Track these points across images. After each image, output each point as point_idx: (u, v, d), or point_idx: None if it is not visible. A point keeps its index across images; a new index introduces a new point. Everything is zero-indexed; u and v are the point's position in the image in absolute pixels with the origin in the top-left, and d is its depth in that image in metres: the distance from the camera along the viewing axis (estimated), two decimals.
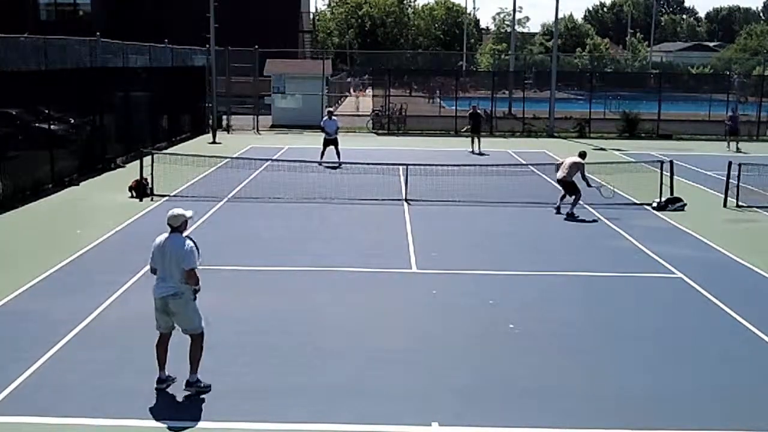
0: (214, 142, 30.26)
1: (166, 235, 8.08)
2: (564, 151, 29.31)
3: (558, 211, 17.57)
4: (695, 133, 36.62)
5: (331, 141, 24.61)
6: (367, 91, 58.00)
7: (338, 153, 24.26)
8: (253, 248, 14.13)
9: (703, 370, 9.02)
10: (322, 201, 18.50)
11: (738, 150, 30.74)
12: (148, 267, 12.34)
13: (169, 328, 8.17)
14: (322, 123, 25.55)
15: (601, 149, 30.66)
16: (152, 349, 9.19)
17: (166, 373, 8.14)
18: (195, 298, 8.04)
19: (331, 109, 28.50)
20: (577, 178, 17.57)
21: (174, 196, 18.74)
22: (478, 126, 29.29)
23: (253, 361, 8.92)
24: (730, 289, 12.00)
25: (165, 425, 7.37)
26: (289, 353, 9.21)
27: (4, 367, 8.44)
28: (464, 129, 30.85)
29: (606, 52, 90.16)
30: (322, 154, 24.35)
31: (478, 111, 30.17)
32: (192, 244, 7.96)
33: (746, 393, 8.39)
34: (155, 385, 8.06)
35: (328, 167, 23.02)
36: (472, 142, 28.88)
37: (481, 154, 27.76)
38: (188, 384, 8.04)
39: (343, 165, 22.68)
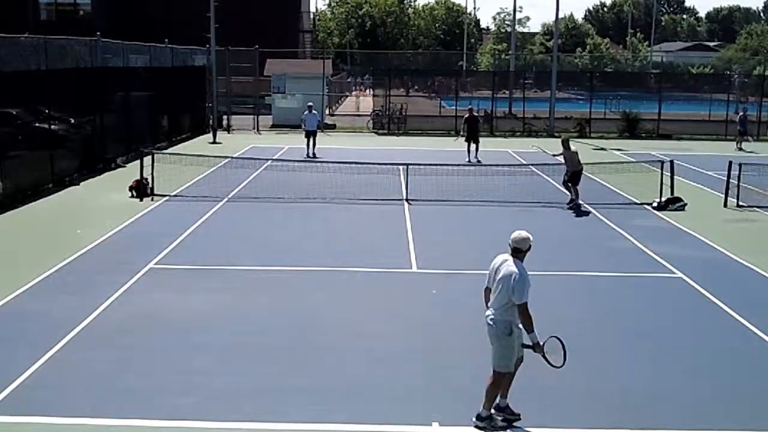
0: (214, 142, 30.26)
1: (505, 257, 7.46)
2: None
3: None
4: (695, 133, 36.62)
5: (310, 133, 26.25)
6: (367, 90, 58.05)
7: (314, 144, 26.26)
8: (253, 248, 14.13)
9: (703, 370, 9.02)
10: (322, 201, 18.50)
11: (740, 149, 30.82)
12: (148, 267, 12.49)
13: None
14: (302, 117, 26.78)
15: (602, 149, 30.68)
16: (152, 349, 9.24)
17: (507, 402, 7.61)
18: (510, 333, 7.31)
19: (311, 103, 28.15)
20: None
21: (174, 196, 18.75)
22: (476, 132, 26.47)
23: (253, 361, 8.92)
24: (730, 289, 11.99)
25: (165, 425, 7.37)
26: (288, 353, 9.21)
27: (4, 367, 8.44)
28: (461, 134, 27.52)
29: (606, 52, 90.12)
30: (308, 146, 26.22)
31: (475, 114, 27.85)
32: (526, 275, 7.24)
33: (746, 393, 8.39)
34: (493, 411, 7.53)
35: (309, 160, 23.97)
36: (468, 149, 25.99)
37: (478, 161, 25.16)
38: (478, 417, 7.48)
39: (340, 164, 22.60)
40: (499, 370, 7.42)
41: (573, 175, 18.40)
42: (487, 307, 7.52)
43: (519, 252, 7.39)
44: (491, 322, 7.38)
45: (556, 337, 7.36)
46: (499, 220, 17.13)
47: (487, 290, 7.59)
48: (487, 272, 7.58)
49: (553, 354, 7.31)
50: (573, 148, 18.77)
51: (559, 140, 19.62)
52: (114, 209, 17.08)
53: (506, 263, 7.38)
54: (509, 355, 7.37)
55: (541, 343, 7.29)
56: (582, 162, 18.66)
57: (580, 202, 18.34)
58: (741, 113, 33.42)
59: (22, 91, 18.43)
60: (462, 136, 27.00)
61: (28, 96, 18.87)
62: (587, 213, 17.78)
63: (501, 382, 7.46)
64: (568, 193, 18.52)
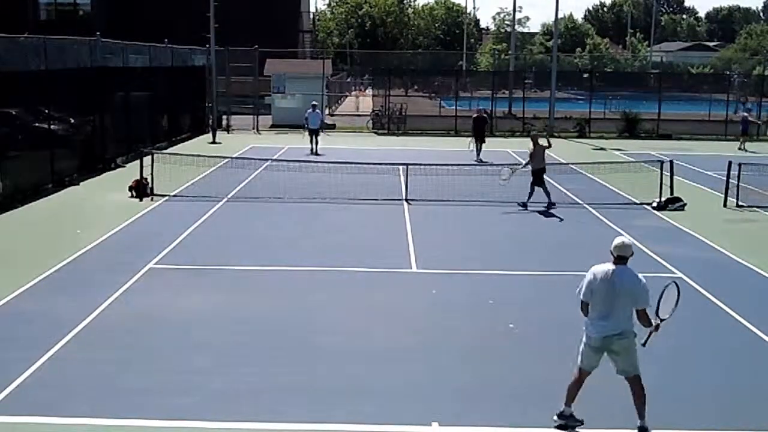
0: (214, 142, 30.26)
1: (609, 266, 7.23)
2: (564, 151, 29.36)
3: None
4: (695, 132, 36.63)
5: (313, 131, 27.42)
6: (366, 90, 58.04)
7: (317, 142, 27.47)
8: (252, 248, 14.13)
9: (702, 370, 9.02)
10: (322, 201, 18.50)
11: (742, 149, 30.78)
12: (147, 267, 12.48)
13: (593, 368, 7.43)
14: (306, 115, 27.88)
15: (601, 149, 30.70)
16: (152, 349, 9.23)
17: (572, 410, 7.45)
18: (636, 336, 7.23)
19: (315, 102, 29.58)
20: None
21: (174, 196, 18.75)
22: (482, 132, 26.52)
23: (253, 361, 8.92)
24: (729, 289, 11.99)
25: (164, 425, 7.37)
26: (288, 353, 9.21)
27: (4, 367, 8.44)
28: (469, 143, 27.26)
29: (606, 52, 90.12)
30: (311, 143, 27.42)
31: (484, 115, 27.81)
32: (644, 280, 7.15)
33: (746, 393, 8.39)
34: (555, 418, 7.44)
35: (311, 158, 24.63)
36: (476, 149, 26.17)
37: (480, 161, 25.18)
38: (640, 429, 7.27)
39: (340, 164, 22.58)
40: (638, 373, 7.32)
41: (535, 173, 18.26)
42: (600, 323, 7.22)
43: (623, 259, 7.24)
44: (622, 335, 7.16)
45: (672, 283, 7.27)
46: (499, 220, 17.15)
47: (586, 304, 7.31)
48: (584, 285, 7.31)
49: (666, 308, 7.21)
50: (542, 142, 18.69)
51: (530, 139, 19.22)
52: (114, 209, 17.08)
53: (624, 274, 7.17)
54: (637, 357, 7.30)
55: (657, 305, 7.14)
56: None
57: (553, 201, 18.23)
58: (745, 114, 33.31)
59: (22, 91, 18.42)
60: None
61: (28, 96, 18.86)
62: (587, 213, 17.78)
63: (641, 381, 7.34)
64: (543, 195, 18.25)
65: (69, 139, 21.03)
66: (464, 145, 27.88)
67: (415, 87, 55.36)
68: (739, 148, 30.84)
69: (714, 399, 8.24)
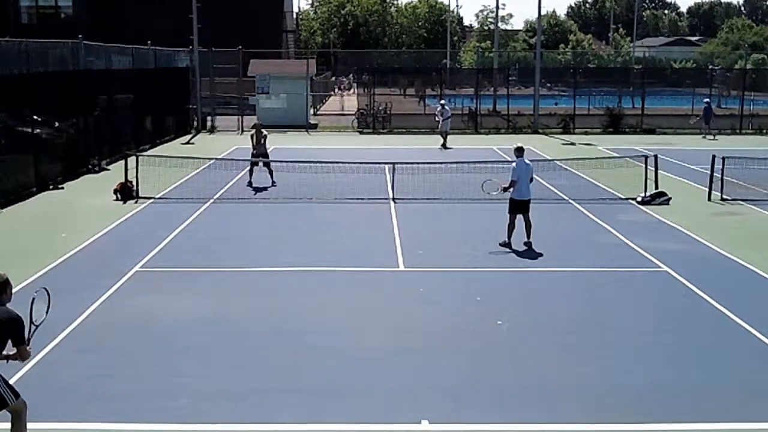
0: (188, 143, 30.09)
1: None
2: (549, 147, 29.47)
3: None
4: (679, 127, 36.85)
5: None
6: (351, 90, 57.99)
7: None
8: (239, 249, 14.10)
9: (689, 363, 9.07)
10: (308, 201, 18.48)
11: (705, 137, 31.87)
12: (133, 270, 12.42)
13: None
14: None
15: (587, 144, 30.84)
16: (140, 352, 9.18)
17: None
18: None
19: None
20: None
21: (159, 198, 18.68)
22: None
23: (241, 363, 8.91)
24: (714, 282, 12.07)
25: (154, 428, 7.34)
26: (276, 354, 9.20)
27: None
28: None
29: (589, 48, 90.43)
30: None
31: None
32: None
33: (733, 385, 8.43)
34: None
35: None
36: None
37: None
38: None
39: (329, 164, 22.51)
40: None
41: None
42: None
43: None
44: None
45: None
46: (486, 217, 17.16)
47: None
48: None
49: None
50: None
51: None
52: (99, 212, 16.99)
53: None
54: None
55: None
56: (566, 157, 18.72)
57: None
58: (707, 100, 34.36)
59: (4, 95, 18.30)
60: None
61: (11, 100, 18.73)
62: (572, 209, 17.82)
63: None
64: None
65: (53, 142, 20.90)
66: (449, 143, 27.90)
67: (398, 84, 55.21)
68: (704, 137, 31.77)
69: (700, 391, 8.28)
